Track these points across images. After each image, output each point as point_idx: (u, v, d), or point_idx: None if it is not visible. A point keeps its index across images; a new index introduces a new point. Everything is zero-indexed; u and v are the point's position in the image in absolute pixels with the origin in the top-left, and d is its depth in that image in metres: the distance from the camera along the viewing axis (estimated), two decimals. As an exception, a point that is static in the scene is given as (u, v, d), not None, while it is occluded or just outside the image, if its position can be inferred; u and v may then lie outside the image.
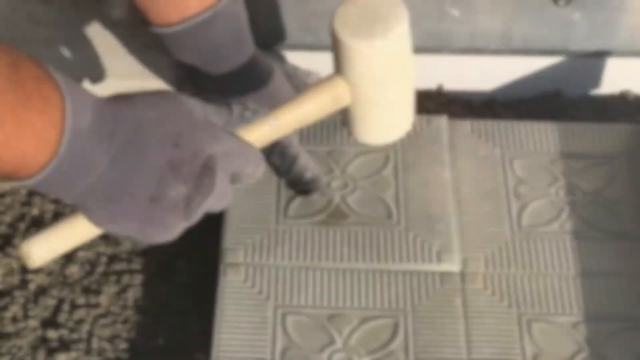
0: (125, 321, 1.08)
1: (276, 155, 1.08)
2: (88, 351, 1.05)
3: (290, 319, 1.02)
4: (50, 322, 1.08)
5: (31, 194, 1.17)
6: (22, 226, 1.14)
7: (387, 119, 1.00)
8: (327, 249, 1.07)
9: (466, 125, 1.18)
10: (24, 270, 1.11)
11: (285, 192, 1.11)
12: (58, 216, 1.15)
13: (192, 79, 1.09)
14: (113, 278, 1.11)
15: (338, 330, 1.01)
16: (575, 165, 1.15)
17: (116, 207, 0.82)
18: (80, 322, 1.08)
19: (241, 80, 1.05)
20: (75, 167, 0.77)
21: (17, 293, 1.09)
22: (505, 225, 1.09)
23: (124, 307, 1.09)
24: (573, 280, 1.05)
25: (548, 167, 1.15)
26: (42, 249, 0.90)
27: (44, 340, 1.06)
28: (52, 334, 1.06)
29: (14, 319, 1.07)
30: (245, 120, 0.91)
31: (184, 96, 0.86)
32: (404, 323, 1.02)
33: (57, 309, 1.08)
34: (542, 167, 1.15)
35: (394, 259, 1.06)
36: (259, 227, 1.09)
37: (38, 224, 1.14)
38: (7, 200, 1.16)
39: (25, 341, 1.06)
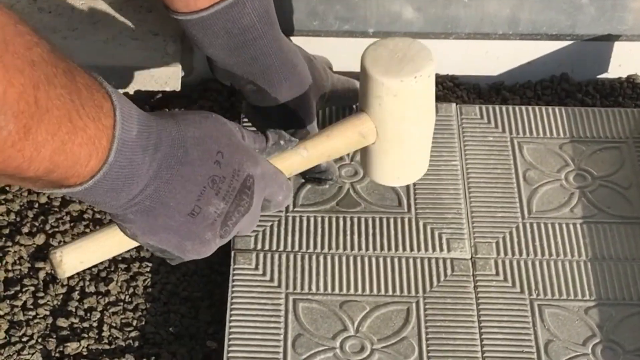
0: (135, 309, 1.08)
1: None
2: (99, 339, 1.05)
3: (301, 306, 1.02)
4: (60, 311, 1.07)
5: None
6: (30, 214, 1.14)
7: (408, 159, 1.02)
8: (338, 237, 1.07)
9: (475, 110, 1.18)
10: (33, 258, 1.11)
11: (296, 180, 1.11)
12: (66, 204, 1.15)
13: (219, 72, 1.07)
14: (122, 266, 1.10)
15: (350, 317, 1.01)
16: (585, 150, 1.15)
17: (156, 220, 0.83)
18: (90, 310, 1.07)
19: (268, 63, 1.04)
20: (121, 176, 0.78)
21: (27, 282, 1.08)
22: (516, 210, 1.09)
23: (134, 295, 1.09)
24: (584, 265, 1.05)
25: (557, 152, 1.15)
26: (76, 260, 0.91)
27: (54, 328, 1.06)
28: (62, 322, 1.06)
29: (24, 308, 1.07)
30: (279, 149, 0.94)
31: (224, 119, 0.88)
32: (416, 310, 1.02)
33: (67, 297, 1.08)
34: (551, 151, 1.15)
35: (405, 247, 1.06)
36: (270, 214, 1.08)
37: (46, 212, 1.14)
38: (15, 187, 1.15)
39: (36, 330, 1.05)
